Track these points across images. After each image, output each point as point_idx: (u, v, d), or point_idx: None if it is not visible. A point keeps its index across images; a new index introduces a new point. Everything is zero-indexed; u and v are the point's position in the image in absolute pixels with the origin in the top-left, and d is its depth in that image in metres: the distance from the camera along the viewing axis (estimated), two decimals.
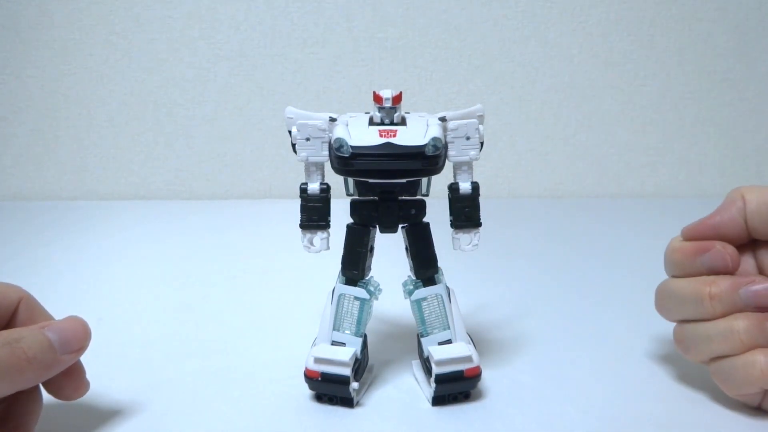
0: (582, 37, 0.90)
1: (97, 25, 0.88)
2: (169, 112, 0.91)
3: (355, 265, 0.39)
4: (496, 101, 0.91)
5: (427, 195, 0.40)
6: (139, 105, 0.91)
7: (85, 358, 0.44)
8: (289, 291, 0.58)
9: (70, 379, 0.34)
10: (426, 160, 0.35)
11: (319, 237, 0.38)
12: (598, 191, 0.95)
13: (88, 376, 0.36)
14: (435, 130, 0.36)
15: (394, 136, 0.35)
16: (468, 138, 0.37)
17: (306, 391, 0.39)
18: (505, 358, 0.44)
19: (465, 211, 0.38)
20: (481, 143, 0.38)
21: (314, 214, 0.38)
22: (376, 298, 0.40)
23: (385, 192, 0.38)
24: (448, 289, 0.40)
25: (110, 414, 0.38)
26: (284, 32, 0.89)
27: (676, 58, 0.92)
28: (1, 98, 0.90)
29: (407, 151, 0.35)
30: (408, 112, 0.39)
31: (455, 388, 0.38)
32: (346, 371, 0.37)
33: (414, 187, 0.39)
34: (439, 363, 0.37)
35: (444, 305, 0.39)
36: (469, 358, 0.38)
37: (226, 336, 0.48)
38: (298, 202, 0.39)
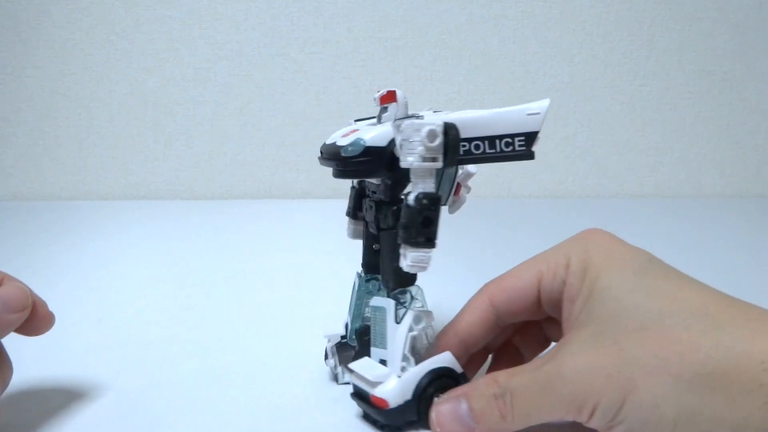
0: (582, 37, 0.90)
1: (97, 25, 0.88)
2: (169, 112, 0.91)
3: (363, 257, 0.39)
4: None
5: (444, 204, 0.37)
6: (139, 105, 0.91)
7: (84, 358, 0.44)
8: (289, 291, 0.58)
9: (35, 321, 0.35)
10: (341, 161, 0.33)
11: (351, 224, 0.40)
12: (598, 191, 0.95)
13: (88, 374, 0.36)
14: (377, 130, 0.33)
15: (348, 135, 0.34)
16: (410, 141, 0.32)
17: (305, 391, 0.39)
18: None
19: (403, 224, 0.32)
20: (455, 150, 0.32)
21: (349, 203, 0.39)
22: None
23: (370, 192, 0.37)
24: (413, 312, 0.34)
25: (110, 413, 0.38)
26: (284, 32, 0.89)
27: (676, 58, 0.92)
28: (1, 98, 0.90)
29: (330, 151, 0.34)
30: (437, 111, 0.36)
31: (366, 408, 0.35)
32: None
33: (391, 190, 0.35)
34: (351, 371, 0.35)
35: (386, 323, 0.34)
36: (372, 383, 0.33)
37: (226, 336, 0.48)
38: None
